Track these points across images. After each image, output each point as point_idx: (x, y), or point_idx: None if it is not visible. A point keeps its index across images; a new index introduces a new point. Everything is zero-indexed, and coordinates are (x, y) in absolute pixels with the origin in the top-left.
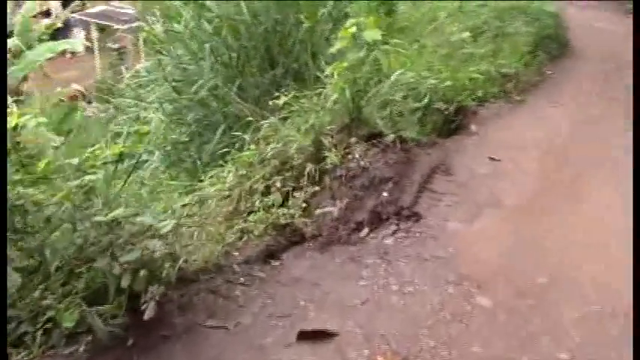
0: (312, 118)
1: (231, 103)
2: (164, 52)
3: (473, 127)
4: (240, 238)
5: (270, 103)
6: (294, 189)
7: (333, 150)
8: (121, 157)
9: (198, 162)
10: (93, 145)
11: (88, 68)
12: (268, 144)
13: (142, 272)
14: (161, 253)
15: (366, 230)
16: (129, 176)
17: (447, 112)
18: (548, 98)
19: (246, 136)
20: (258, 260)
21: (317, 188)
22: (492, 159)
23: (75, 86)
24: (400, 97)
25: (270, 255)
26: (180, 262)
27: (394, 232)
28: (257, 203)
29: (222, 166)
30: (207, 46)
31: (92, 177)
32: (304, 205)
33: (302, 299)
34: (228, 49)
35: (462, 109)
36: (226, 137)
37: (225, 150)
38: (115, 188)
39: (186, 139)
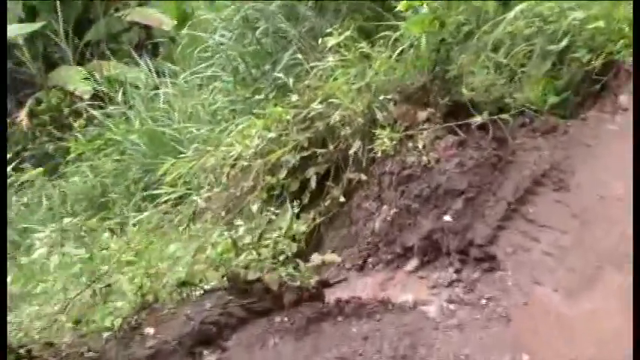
0: (370, 74)
1: (306, 19)
2: None
3: (622, 99)
4: (181, 292)
5: (320, 41)
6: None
7: (388, 129)
8: None
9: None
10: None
11: None
12: (314, 98)
13: None
14: None
15: (414, 263)
16: None
17: (590, 67)
18: None
19: (290, 80)
20: (180, 350)
21: (363, 177)
22: None
23: None
24: (523, 38)
25: (207, 339)
26: None
27: (450, 284)
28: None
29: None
30: None
31: None
32: (343, 199)
33: None
34: None
35: (612, 65)
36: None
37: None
38: None
39: (256, 54)
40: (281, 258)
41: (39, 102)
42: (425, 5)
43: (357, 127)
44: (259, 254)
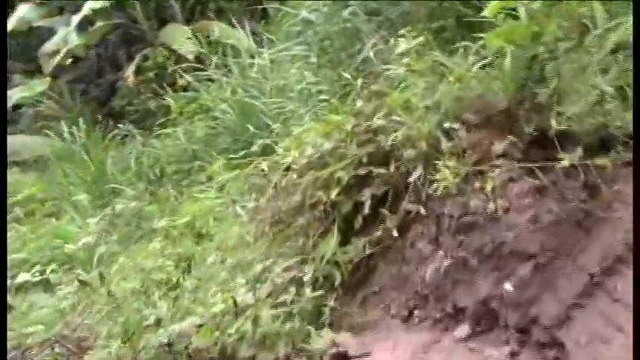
0: (441, 90)
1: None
2: None
3: None
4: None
5: (391, 42)
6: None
7: (454, 160)
8: None
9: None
10: None
11: None
12: (379, 107)
13: None
14: None
15: (465, 329)
16: None
17: None
18: None
19: (358, 82)
20: None
21: (422, 210)
22: None
23: None
24: None
25: None
26: None
27: None
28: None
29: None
30: None
31: None
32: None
33: None
34: None
35: None
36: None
37: None
38: None
39: (344, 34)
40: (288, 326)
41: (146, 59)
42: (521, 10)
43: (420, 151)
44: (257, 324)
